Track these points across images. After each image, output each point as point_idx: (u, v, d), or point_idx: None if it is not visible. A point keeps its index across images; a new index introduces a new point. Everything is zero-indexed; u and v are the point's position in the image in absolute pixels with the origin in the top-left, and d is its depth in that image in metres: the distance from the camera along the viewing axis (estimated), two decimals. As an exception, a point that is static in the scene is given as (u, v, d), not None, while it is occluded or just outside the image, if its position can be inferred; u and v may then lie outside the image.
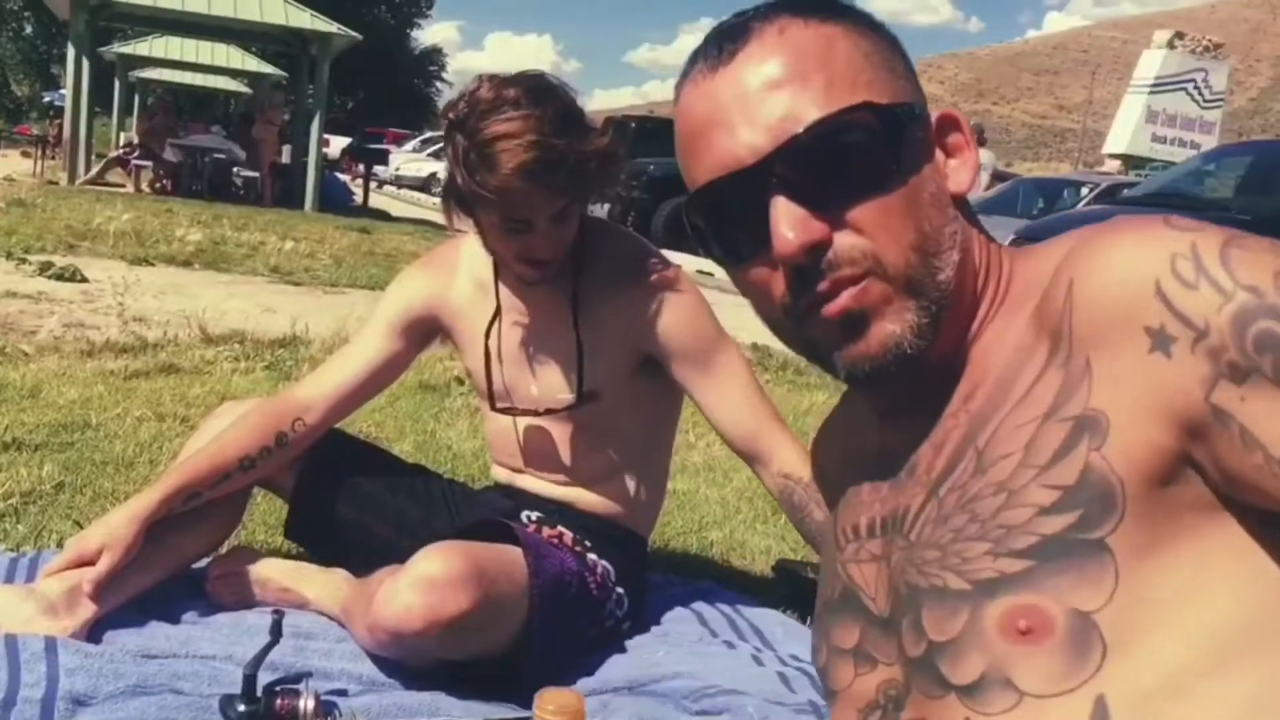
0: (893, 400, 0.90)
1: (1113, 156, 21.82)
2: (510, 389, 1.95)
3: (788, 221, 0.79)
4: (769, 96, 0.81)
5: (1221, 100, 22.79)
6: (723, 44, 0.85)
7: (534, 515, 1.94)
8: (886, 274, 0.80)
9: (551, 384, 1.91)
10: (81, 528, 2.12)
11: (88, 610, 1.66)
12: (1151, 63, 21.91)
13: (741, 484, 3.20)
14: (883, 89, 0.83)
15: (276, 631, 1.54)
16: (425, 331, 2.03)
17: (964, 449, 0.81)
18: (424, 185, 27.39)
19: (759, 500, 3.04)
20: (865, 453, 0.95)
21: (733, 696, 1.70)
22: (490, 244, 1.84)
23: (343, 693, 1.60)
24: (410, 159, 29.80)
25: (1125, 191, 10.31)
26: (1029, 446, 0.76)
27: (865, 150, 0.81)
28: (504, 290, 1.94)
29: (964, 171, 0.87)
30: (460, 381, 4.30)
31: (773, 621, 2.11)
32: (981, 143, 12.94)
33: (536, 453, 1.97)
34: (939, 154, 0.86)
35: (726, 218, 0.85)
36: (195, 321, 4.89)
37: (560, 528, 1.91)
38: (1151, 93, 21.54)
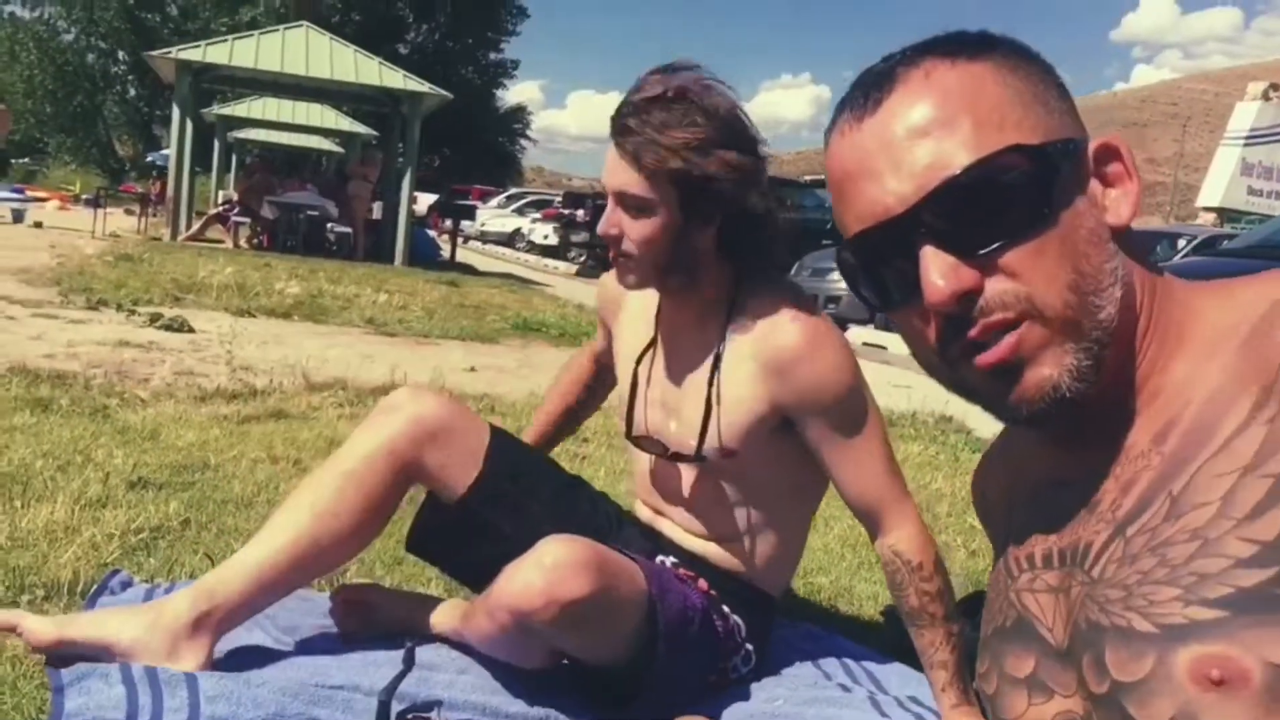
0: (1062, 430, 0.89)
1: (1207, 209, 21.41)
2: (648, 422, 1.95)
3: (937, 270, 0.80)
4: (915, 144, 0.81)
5: (1319, 151, 22.28)
6: (869, 92, 0.85)
7: (670, 560, 1.92)
8: (1043, 316, 0.80)
9: (685, 431, 1.87)
10: (212, 561, 2.20)
11: (205, 645, 1.67)
12: (1246, 114, 21.53)
13: (844, 531, 3.19)
14: (1034, 127, 0.82)
15: (409, 660, 1.58)
16: (607, 330, 2.16)
17: (1156, 492, 0.80)
18: (508, 240, 27.87)
19: (862, 548, 3.02)
20: (1033, 481, 0.95)
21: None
22: None
23: (474, 722, 1.63)
24: (495, 215, 30.37)
25: (1225, 243, 10.10)
26: (1227, 498, 0.75)
27: (1015, 193, 0.80)
28: (664, 323, 1.95)
29: (1125, 203, 0.85)
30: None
31: (886, 667, 2.09)
32: None
33: (673, 495, 1.95)
34: (1096, 186, 0.85)
35: (878, 265, 0.86)
36: (299, 370, 5.03)
37: (697, 575, 1.89)
38: (1247, 144, 21.13)
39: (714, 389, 1.83)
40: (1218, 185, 21.38)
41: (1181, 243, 10.90)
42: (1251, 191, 21.09)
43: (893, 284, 0.85)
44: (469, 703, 1.68)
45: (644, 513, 2.04)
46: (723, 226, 1.79)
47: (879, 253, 0.85)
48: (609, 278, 2.06)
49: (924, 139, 0.81)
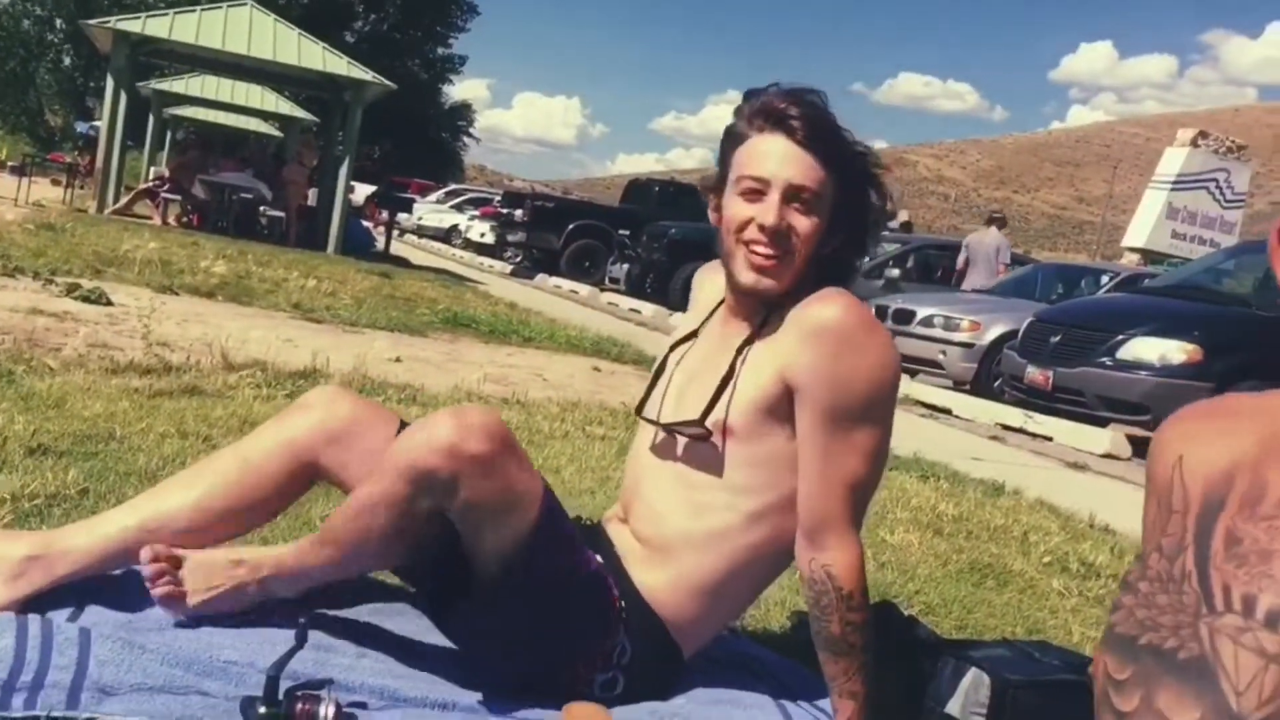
0: None
1: (1131, 250, 21.89)
2: (661, 402, 1.90)
3: None
4: None
5: (1243, 201, 22.89)
6: None
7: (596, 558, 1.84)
8: None
9: (693, 404, 1.81)
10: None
11: (26, 585, 1.69)
12: (1174, 160, 22.06)
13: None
14: None
15: (301, 637, 1.54)
16: None
17: None
18: (445, 236, 27.69)
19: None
20: (1273, 483, 0.84)
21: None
22: (726, 223, 1.79)
23: (363, 705, 1.59)
24: (433, 210, 30.17)
25: (1146, 282, 10.34)
26: None
27: None
28: (714, 319, 1.93)
29: None
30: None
31: (792, 670, 2.09)
32: (1001, 225, 13.04)
33: (638, 495, 1.89)
34: None
35: None
36: (218, 348, 4.92)
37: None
38: (1173, 189, 21.65)
39: (739, 361, 1.78)
40: (1143, 227, 21.87)
41: (1105, 279, 11.16)
42: (1175, 235, 21.60)
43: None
44: (364, 685, 1.65)
45: (610, 526, 1.96)
46: (844, 241, 1.80)
47: None
48: (710, 275, 2.02)
49: None
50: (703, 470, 1.80)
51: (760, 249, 1.74)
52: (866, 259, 1.89)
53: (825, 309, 1.70)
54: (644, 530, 1.85)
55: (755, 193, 1.74)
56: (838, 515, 1.71)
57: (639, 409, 1.95)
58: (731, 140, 1.82)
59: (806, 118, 1.73)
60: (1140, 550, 0.95)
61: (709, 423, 1.77)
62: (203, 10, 15.52)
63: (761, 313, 1.82)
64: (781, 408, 1.74)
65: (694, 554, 1.80)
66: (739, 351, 1.80)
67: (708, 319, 1.96)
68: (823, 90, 1.78)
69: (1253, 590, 0.80)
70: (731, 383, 1.78)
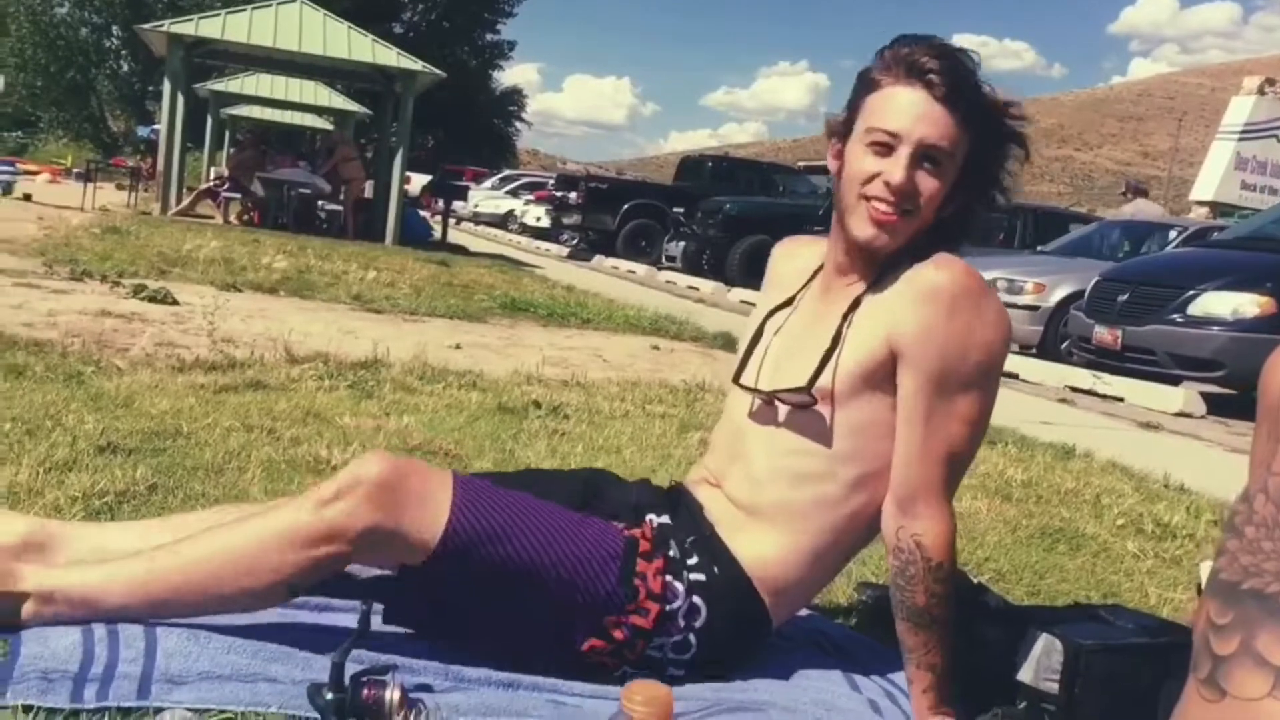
0: None
1: (1200, 203, 21.38)
2: (760, 370, 1.86)
3: None
4: None
5: (1314, 147, 22.26)
6: None
7: (659, 520, 1.80)
8: None
9: (796, 371, 1.76)
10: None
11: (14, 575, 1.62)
12: (1241, 109, 21.48)
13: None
14: None
15: (365, 623, 1.55)
16: None
17: None
18: (501, 222, 27.80)
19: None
20: None
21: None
22: (849, 174, 1.72)
23: (428, 688, 1.60)
24: (488, 196, 30.28)
25: (1215, 234, 10.08)
26: None
27: None
28: (813, 285, 1.88)
29: None
30: (538, 405, 4.32)
31: (859, 644, 2.07)
32: (1144, 194, 12.80)
33: (736, 459, 1.84)
34: None
35: None
36: (281, 343, 4.98)
37: (657, 532, 1.77)
38: (1241, 139, 21.09)
39: (845, 326, 1.74)
40: (1212, 179, 21.34)
41: (1172, 234, 10.89)
42: (1245, 186, 21.06)
43: None
44: (428, 667, 1.66)
45: (693, 476, 1.94)
46: (967, 200, 1.74)
47: None
48: (792, 247, 1.99)
49: None
50: (804, 437, 1.76)
51: (883, 206, 1.68)
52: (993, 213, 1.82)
53: (939, 273, 1.65)
54: (742, 497, 1.81)
55: (885, 146, 1.67)
56: (933, 484, 1.67)
57: (736, 377, 1.91)
58: (865, 85, 1.73)
59: (949, 72, 1.66)
60: (1248, 483, 0.95)
61: (815, 389, 1.73)
62: (254, 9, 15.69)
63: (871, 273, 1.76)
64: (885, 373, 1.70)
65: (794, 522, 1.77)
66: (845, 317, 1.75)
67: (804, 287, 1.91)
68: (975, 52, 1.71)
69: None
70: (838, 348, 1.73)
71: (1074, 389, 7.80)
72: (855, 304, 1.75)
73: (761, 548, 1.77)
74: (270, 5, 15.77)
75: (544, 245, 21.22)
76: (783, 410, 1.78)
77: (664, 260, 17.74)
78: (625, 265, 17.10)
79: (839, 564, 1.89)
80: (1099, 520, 3.53)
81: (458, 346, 6.10)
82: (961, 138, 1.67)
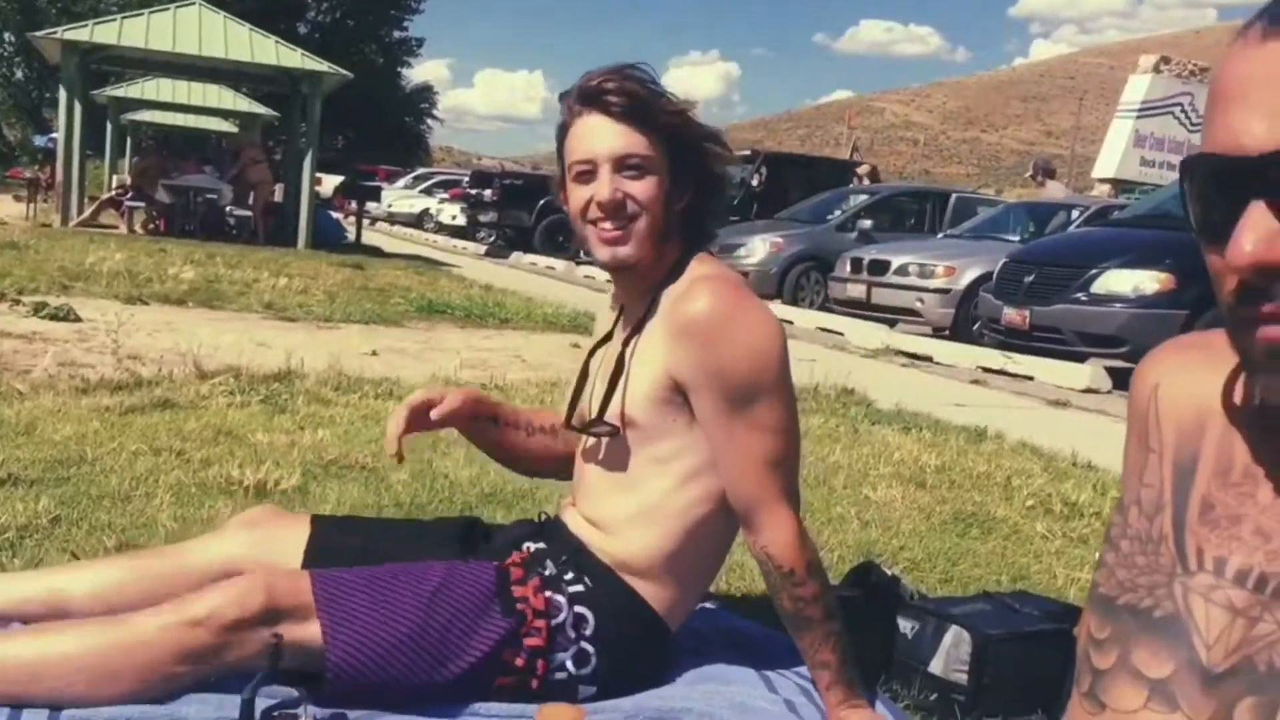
0: None
1: (1102, 181, 21.92)
2: (584, 407, 1.93)
3: (1253, 232, 0.72)
4: None
5: (1208, 123, 22.89)
6: None
7: (534, 546, 1.86)
8: None
9: (596, 404, 1.85)
10: (78, 559, 2.11)
11: None
12: (1138, 87, 22.04)
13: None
14: None
15: (275, 658, 1.53)
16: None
17: None
18: (417, 221, 27.51)
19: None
20: (1240, 445, 0.85)
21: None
22: (572, 211, 1.82)
23: (343, 717, 1.59)
24: (403, 196, 29.94)
25: (1115, 214, 10.35)
26: None
27: None
28: (624, 311, 1.94)
29: None
30: (456, 412, 4.29)
31: (776, 641, 2.10)
32: (1052, 175, 13.11)
33: (581, 480, 1.92)
34: None
35: (1210, 193, 0.77)
36: (190, 357, 4.89)
37: (531, 556, 1.82)
38: (1139, 117, 21.65)
39: (628, 355, 1.80)
40: (1112, 157, 21.88)
41: (1075, 213, 11.15)
42: (1144, 162, 21.63)
43: (1212, 218, 0.77)
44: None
45: (566, 513, 1.97)
46: (694, 194, 1.81)
47: (1215, 183, 0.76)
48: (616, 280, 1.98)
49: None
50: (624, 454, 1.82)
51: (605, 225, 1.76)
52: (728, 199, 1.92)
53: (693, 304, 1.71)
54: (590, 513, 1.87)
55: (587, 174, 1.76)
56: (763, 495, 1.71)
57: (567, 421, 1.97)
58: (560, 133, 1.83)
59: (619, 90, 1.74)
60: (1122, 493, 0.97)
61: (609, 417, 1.80)
62: (151, 13, 15.34)
63: (647, 294, 1.83)
64: (676, 398, 1.76)
65: (640, 525, 1.80)
66: (626, 344, 1.82)
67: (617, 319, 1.96)
68: (646, 63, 1.81)
69: (1224, 553, 0.83)
70: (622, 378, 1.79)
71: (986, 369, 7.96)
72: (635, 330, 1.82)
73: (622, 551, 1.80)
74: (168, 9, 15.43)
75: (461, 244, 21.06)
76: (603, 441, 1.84)
77: (582, 255, 17.71)
78: (544, 261, 17.05)
79: (712, 550, 1.89)
80: (1009, 503, 3.61)
81: (374, 353, 6.04)
82: (654, 140, 1.75)
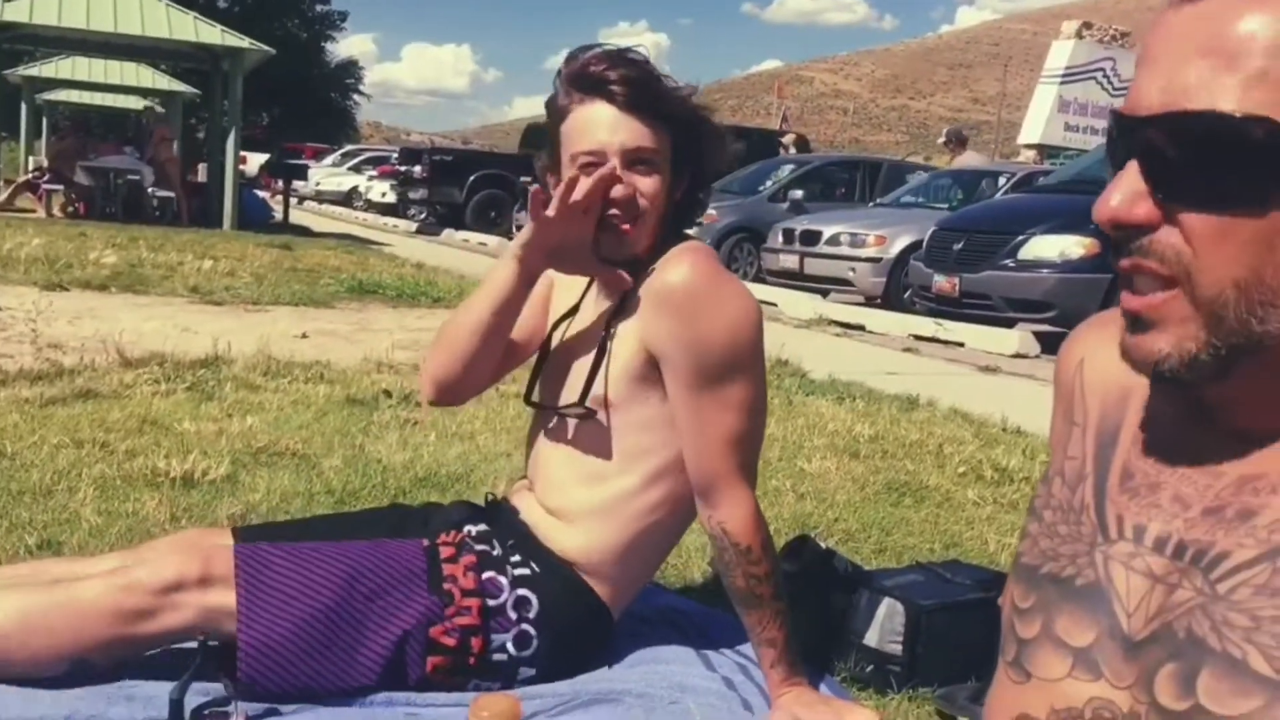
0: (1241, 414, 0.80)
1: (1028, 146, 22.23)
2: (547, 385, 1.90)
3: (1122, 190, 0.75)
4: (1191, 61, 0.73)
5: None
6: None
7: (476, 529, 1.83)
8: (1194, 294, 0.74)
9: (573, 384, 1.82)
10: (-3, 560, 2.05)
11: None
12: (1061, 53, 22.36)
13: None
14: None
15: (203, 655, 1.50)
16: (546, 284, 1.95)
17: None
18: (345, 200, 27.12)
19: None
20: (1161, 414, 0.86)
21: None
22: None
23: (276, 711, 1.56)
24: (330, 174, 29.49)
25: (1040, 180, 10.50)
26: None
27: (1237, 163, 0.72)
28: (593, 290, 1.89)
29: None
30: (388, 394, 4.25)
31: (714, 620, 2.11)
32: (964, 143, 13.32)
33: (541, 465, 1.88)
34: None
35: (1111, 154, 0.80)
36: (112, 345, 4.77)
37: (474, 537, 1.79)
38: (1062, 82, 21.97)
39: (609, 336, 1.78)
40: (1037, 123, 22.20)
41: (1001, 180, 11.30)
42: (1068, 128, 21.97)
43: (1112, 174, 0.79)
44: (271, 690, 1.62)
45: (518, 496, 1.95)
46: (689, 183, 1.80)
47: (1112, 143, 0.79)
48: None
49: (1203, 59, 0.72)
50: (594, 444, 1.80)
51: (617, 221, 1.73)
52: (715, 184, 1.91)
53: (672, 274, 1.71)
54: (550, 502, 1.85)
55: (595, 166, 1.71)
56: (724, 472, 1.72)
57: (527, 396, 1.94)
58: (556, 115, 1.78)
59: (625, 79, 1.71)
60: (1049, 466, 0.98)
61: (590, 400, 1.78)
62: (62, -11, 14.87)
63: (631, 271, 1.80)
64: (652, 374, 1.75)
65: (599, 520, 1.80)
66: (608, 327, 1.80)
67: (585, 292, 1.93)
68: (641, 47, 1.78)
69: (1143, 520, 0.84)
70: (604, 360, 1.78)
71: (918, 337, 8.06)
72: (617, 311, 1.80)
73: (576, 544, 1.80)
74: (81, -16, 14.97)
75: (391, 221, 20.80)
76: (571, 424, 1.82)
77: (515, 230, 17.59)
78: (476, 238, 16.91)
79: (661, 548, 1.91)
80: (941, 470, 3.66)
81: (304, 336, 5.95)
82: (661, 132, 1.73)
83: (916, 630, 1.88)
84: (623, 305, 1.80)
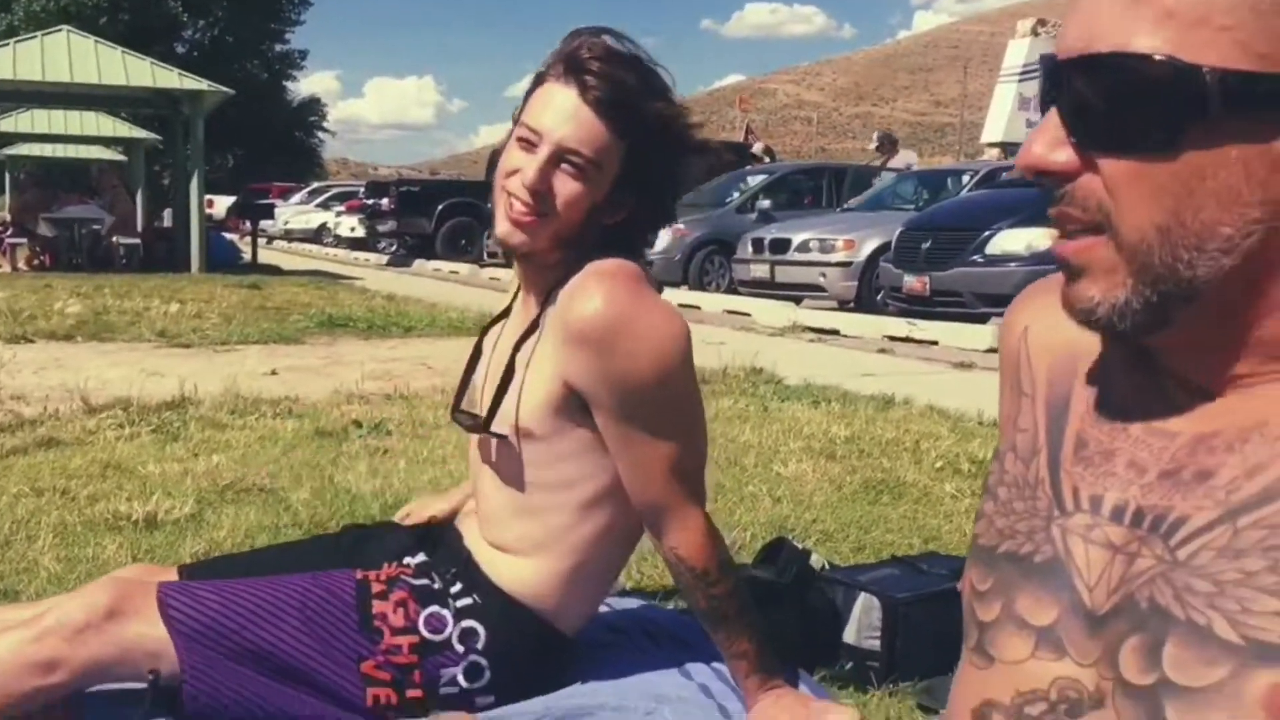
0: (1185, 368, 0.78)
1: (990, 145, 22.36)
2: (474, 395, 1.80)
3: (1043, 136, 0.74)
4: (1104, 3, 0.72)
5: (1087, 81, 23.47)
6: None
7: (415, 560, 1.76)
8: (1118, 239, 0.72)
9: (486, 405, 1.71)
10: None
11: None
12: (1018, 51, 22.52)
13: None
14: (1242, 49, 0.68)
15: (155, 690, 1.46)
16: None
17: None
18: (315, 237, 27.05)
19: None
20: (1111, 377, 0.84)
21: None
22: (500, 166, 1.65)
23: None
24: (298, 212, 29.42)
25: (1004, 175, 10.55)
26: None
27: (1146, 105, 0.70)
28: (521, 295, 1.78)
29: None
30: (359, 425, 4.20)
31: (690, 628, 2.07)
32: (895, 144, 13.46)
33: (478, 483, 1.79)
34: None
35: (1042, 95, 0.78)
36: (76, 393, 4.70)
37: (414, 570, 1.72)
38: (1021, 80, 22.10)
39: (519, 358, 1.67)
40: (999, 122, 22.33)
41: (965, 178, 11.34)
42: (1029, 124, 22.06)
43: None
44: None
45: (465, 521, 1.87)
46: (637, 208, 1.65)
47: (1045, 85, 0.77)
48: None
49: (1118, 1, 0.71)
50: (521, 473, 1.69)
51: (518, 204, 1.61)
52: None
53: (585, 305, 1.57)
54: (489, 535, 1.76)
55: (529, 143, 1.60)
56: (670, 498, 1.63)
57: (454, 408, 1.84)
58: (536, 79, 1.66)
59: (606, 76, 1.58)
60: (999, 441, 0.95)
61: (504, 427, 1.67)
62: (16, 43, 14.82)
63: (544, 287, 1.70)
64: (575, 405, 1.64)
65: (538, 554, 1.70)
66: (517, 347, 1.69)
67: (516, 294, 1.84)
68: (643, 52, 1.64)
69: (1099, 490, 0.80)
70: (514, 383, 1.67)
71: (892, 338, 8.05)
72: (529, 331, 1.69)
73: (518, 577, 1.71)
74: (35, 37, 14.94)
75: (362, 255, 20.75)
76: (494, 443, 1.72)
77: (485, 257, 17.55)
78: (447, 266, 16.87)
79: (613, 568, 1.83)
80: (919, 466, 3.63)
81: (273, 372, 5.89)
82: (613, 145, 1.59)
83: (894, 624, 1.84)
84: (534, 325, 1.69)
